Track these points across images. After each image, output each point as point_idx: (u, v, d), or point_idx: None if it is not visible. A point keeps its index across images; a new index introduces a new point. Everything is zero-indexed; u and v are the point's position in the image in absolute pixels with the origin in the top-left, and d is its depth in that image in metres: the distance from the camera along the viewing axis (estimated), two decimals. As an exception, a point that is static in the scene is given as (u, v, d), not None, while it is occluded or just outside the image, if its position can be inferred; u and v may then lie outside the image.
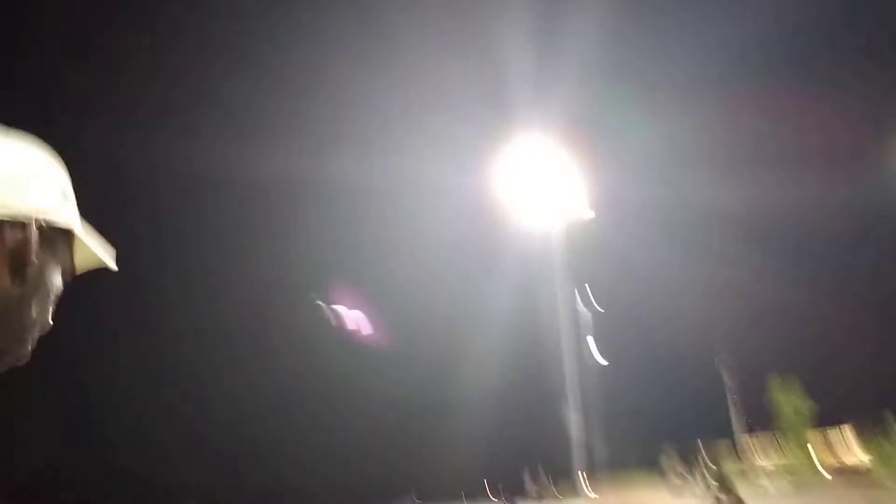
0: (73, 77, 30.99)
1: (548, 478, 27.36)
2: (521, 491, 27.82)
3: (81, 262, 0.91)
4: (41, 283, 0.83)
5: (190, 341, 33.09)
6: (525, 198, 25.37)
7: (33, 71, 31.86)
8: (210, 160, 29.43)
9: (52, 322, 0.87)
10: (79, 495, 29.15)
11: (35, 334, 0.84)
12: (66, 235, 0.87)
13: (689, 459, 22.12)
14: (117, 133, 30.55)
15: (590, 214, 24.88)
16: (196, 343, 32.93)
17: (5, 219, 0.79)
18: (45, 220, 0.82)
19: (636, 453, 24.80)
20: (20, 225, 0.80)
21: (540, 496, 27.20)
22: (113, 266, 0.92)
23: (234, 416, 32.94)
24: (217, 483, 31.22)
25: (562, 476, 25.37)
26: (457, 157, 33.12)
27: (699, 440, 22.33)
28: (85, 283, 0.95)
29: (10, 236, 0.79)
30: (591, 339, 27.06)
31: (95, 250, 0.90)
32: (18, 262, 0.80)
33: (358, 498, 30.55)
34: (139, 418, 31.82)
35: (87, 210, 0.92)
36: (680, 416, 25.89)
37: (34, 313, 0.83)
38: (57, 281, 0.87)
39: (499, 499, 28.29)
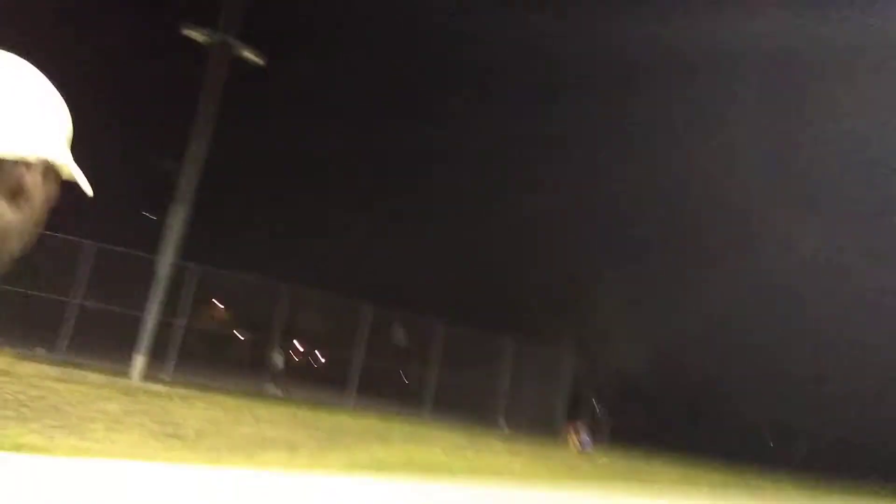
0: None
1: None
2: None
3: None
4: (34, 216, 0.88)
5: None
6: None
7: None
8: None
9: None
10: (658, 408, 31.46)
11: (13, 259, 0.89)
12: (57, 168, 0.90)
13: None
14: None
15: None
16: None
17: (12, 157, 0.82)
18: (47, 159, 0.86)
19: None
20: (24, 163, 0.83)
21: None
22: (90, 192, 0.96)
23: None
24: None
25: None
26: None
27: None
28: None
29: (15, 173, 0.83)
30: None
31: (78, 180, 0.94)
32: (18, 198, 0.84)
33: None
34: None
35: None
36: None
37: (21, 243, 0.87)
38: (44, 211, 0.90)
39: None
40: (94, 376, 12.90)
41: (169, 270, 16.16)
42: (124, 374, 14.58)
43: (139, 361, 15.16)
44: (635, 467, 15.90)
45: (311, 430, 11.09)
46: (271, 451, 8.96)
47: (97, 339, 17.08)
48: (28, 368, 11.76)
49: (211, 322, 26.64)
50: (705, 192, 33.21)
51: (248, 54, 17.28)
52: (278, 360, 20.31)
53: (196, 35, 16.98)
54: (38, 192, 0.85)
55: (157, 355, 16.04)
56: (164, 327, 16.46)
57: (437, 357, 20.88)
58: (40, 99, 0.85)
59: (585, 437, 18.77)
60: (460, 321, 21.41)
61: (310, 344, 26.02)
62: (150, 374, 15.09)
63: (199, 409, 10.98)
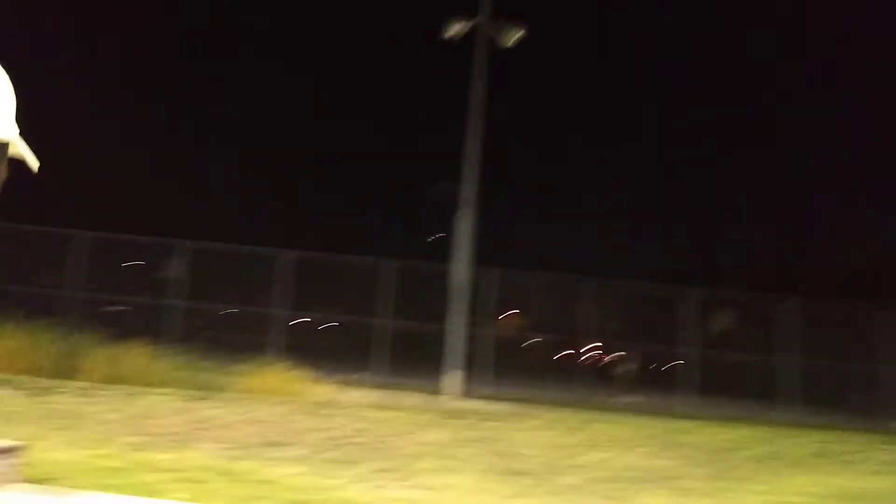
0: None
1: None
2: None
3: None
4: None
5: None
6: None
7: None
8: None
9: None
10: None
11: None
12: (4, 147, 0.90)
13: None
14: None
15: None
16: None
17: None
18: None
19: None
20: None
21: None
22: (35, 168, 0.95)
23: None
24: None
25: None
26: None
27: None
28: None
29: None
30: None
31: (26, 157, 0.93)
32: None
33: None
34: None
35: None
36: None
37: None
38: None
39: None
40: (410, 398, 11.82)
41: (465, 278, 14.92)
42: (438, 392, 13.47)
43: (454, 378, 13.98)
44: None
45: (682, 451, 8.39)
46: (649, 489, 6.47)
47: (408, 358, 16.52)
48: (349, 396, 11.00)
49: (513, 328, 25.46)
50: None
51: (511, 35, 15.75)
52: (626, 364, 17.91)
53: (456, 30, 15.85)
54: None
55: (467, 369, 14.84)
56: (468, 339, 15.29)
57: (795, 339, 16.57)
58: None
59: None
60: (815, 293, 16.85)
61: (623, 343, 23.31)
62: (466, 391, 13.80)
63: (534, 430, 8.99)
